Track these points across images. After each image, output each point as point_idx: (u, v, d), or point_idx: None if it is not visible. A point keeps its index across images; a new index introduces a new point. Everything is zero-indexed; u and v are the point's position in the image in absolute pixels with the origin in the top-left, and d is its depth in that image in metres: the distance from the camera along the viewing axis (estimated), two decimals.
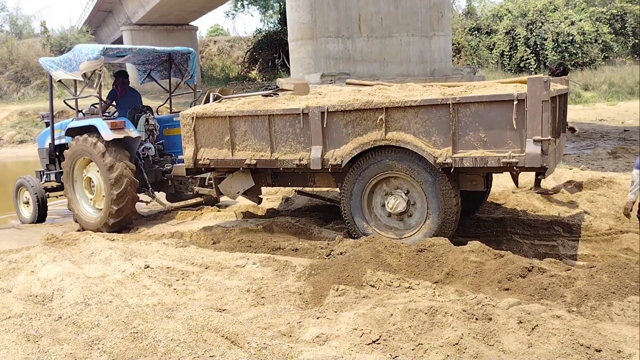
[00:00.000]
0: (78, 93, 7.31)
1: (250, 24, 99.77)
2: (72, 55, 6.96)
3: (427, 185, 4.77)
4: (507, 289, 3.79)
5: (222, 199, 7.59)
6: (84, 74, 6.91)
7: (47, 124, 8.07)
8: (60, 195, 7.93)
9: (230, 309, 3.68)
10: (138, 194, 6.96)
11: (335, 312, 3.47)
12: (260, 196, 6.31)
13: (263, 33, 36.88)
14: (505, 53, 29.17)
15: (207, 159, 5.72)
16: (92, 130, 6.77)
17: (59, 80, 7.34)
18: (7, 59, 30.83)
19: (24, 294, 4.04)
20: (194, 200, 7.65)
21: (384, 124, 4.76)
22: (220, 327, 3.19)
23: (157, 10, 28.52)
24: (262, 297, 3.86)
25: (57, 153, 7.89)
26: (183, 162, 6.12)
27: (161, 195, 7.84)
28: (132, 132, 6.79)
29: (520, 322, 3.08)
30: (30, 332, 3.28)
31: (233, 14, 42.37)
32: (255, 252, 5.05)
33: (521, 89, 4.23)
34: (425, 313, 3.17)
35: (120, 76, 7.81)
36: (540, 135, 4.10)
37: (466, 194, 5.17)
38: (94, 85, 7.16)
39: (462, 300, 3.42)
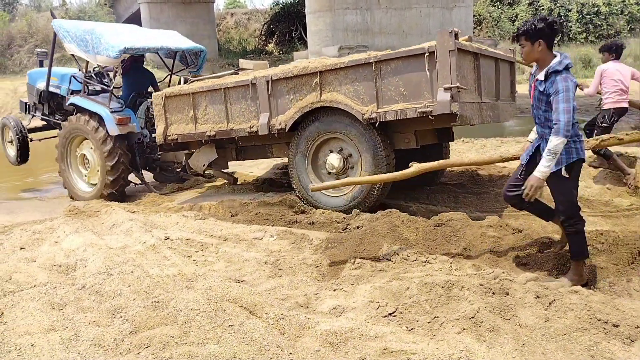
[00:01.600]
0: (86, 72, 7.43)
1: None
2: (89, 37, 6.86)
3: (360, 143, 5.10)
4: (524, 264, 3.79)
5: None
6: (98, 64, 7.03)
7: (41, 63, 8.17)
8: (43, 139, 8.12)
9: (248, 280, 3.74)
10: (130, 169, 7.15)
11: (352, 284, 3.50)
12: (235, 176, 6.90)
13: (280, 5, 36.45)
14: None
15: (175, 134, 6.22)
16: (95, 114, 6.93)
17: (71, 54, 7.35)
18: (27, 32, 30.98)
19: (48, 263, 4.14)
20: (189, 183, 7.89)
21: (319, 87, 5.15)
22: (239, 297, 3.25)
23: None
24: (280, 269, 3.91)
25: (50, 99, 8.00)
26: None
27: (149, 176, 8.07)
28: (135, 127, 7.02)
29: (538, 296, 3.08)
30: (55, 300, 3.37)
31: None
32: (272, 225, 5.10)
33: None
34: (442, 287, 3.18)
35: (141, 56, 7.73)
36: (449, 83, 4.42)
37: (431, 155, 5.57)
38: (109, 79, 7.39)
39: (479, 275, 3.42)
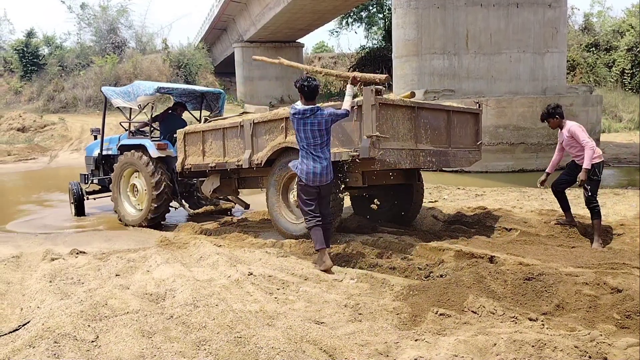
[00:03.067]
0: (132, 118, 9.27)
1: (354, 40, 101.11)
2: (130, 89, 8.64)
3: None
4: (624, 327, 3.50)
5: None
6: (139, 105, 8.53)
7: (96, 137, 9.89)
8: (97, 198, 9.69)
9: (328, 322, 3.72)
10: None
11: (434, 335, 3.38)
12: (248, 203, 8.13)
13: (366, 50, 37.30)
14: (627, 71, 27.09)
15: (190, 164, 7.39)
16: (140, 148, 8.28)
17: (117, 107, 9.08)
18: (132, 72, 33.75)
19: (140, 291, 4.36)
20: (223, 207, 9.34)
21: (284, 130, 6.02)
22: (319, 339, 3.24)
23: (266, 29, 29.86)
24: (360, 314, 3.86)
25: (103, 161, 9.57)
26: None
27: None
28: (172, 152, 8.19)
29: None
30: (145, 328, 3.52)
31: (337, 32, 43.28)
32: (352, 267, 5.08)
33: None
34: (533, 346, 3.00)
35: (179, 105, 9.27)
36: (371, 132, 5.19)
37: (398, 195, 6.86)
38: (148, 113, 8.91)
39: (574, 336, 3.20)
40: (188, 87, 9.39)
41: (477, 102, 6.86)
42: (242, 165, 6.56)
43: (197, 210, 8.95)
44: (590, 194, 5.86)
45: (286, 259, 5.38)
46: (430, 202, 8.85)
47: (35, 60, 35.57)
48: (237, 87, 35.41)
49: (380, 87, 5.29)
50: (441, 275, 4.53)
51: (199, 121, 9.40)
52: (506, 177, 13.17)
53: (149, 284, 4.56)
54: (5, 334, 3.58)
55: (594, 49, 29.55)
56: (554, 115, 6.21)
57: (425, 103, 6.07)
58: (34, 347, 3.19)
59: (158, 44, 41.28)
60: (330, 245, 5.53)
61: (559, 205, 6.53)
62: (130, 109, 9.09)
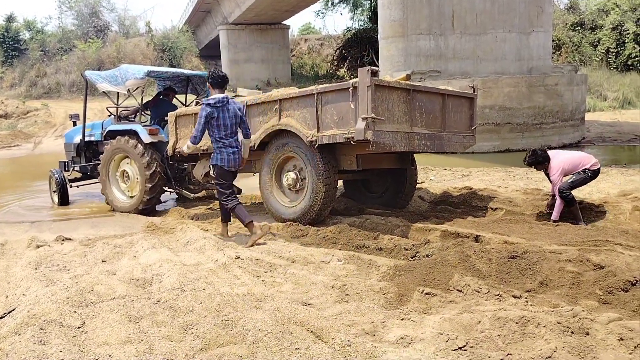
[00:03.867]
0: (119, 102, 8.92)
1: (340, 22, 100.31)
2: (118, 72, 8.46)
3: (308, 162, 5.86)
4: (607, 303, 3.56)
5: None
6: (128, 89, 8.31)
7: (75, 123, 9.67)
8: (79, 185, 9.45)
9: (315, 303, 3.75)
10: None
11: (420, 314, 3.42)
12: (240, 188, 8.01)
13: (353, 31, 36.96)
14: (612, 50, 27.23)
15: (180, 147, 7.07)
16: (130, 133, 8.07)
17: (103, 92, 8.77)
18: (115, 57, 33.26)
19: (126, 277, 4.35)
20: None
21: (278, 113, 6.00)
22: (306, 320, 3.26)
23: (251, 10, 29.48)
24: (346, 294, 3.89)
25: (86, 148, 9.25)
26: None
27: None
28: (163, 137, 8.05)
29: (621, 339, 2.88)
30: (131, 313, 3.52)
31: (323, 13, 42.79)
32: (339, 249, 5.10)
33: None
34: (516, 322, 3.05)
35: (170, 91, 9.18)
36: (366, 114, 5.13)
37: (392, 180, 6.94)
38: (138, 97, 8.67)
39: (557, 312, 3.25)
40: (177, 70, 9.30)
41: (473, 87, 6.79)
42: None
43: (197, 195, 8.71)
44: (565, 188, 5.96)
45: (273, 242, 5.40)
46: (416, 182, 8.88)
47: (16, 45, 34.87)
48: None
49: (376, 68, 5.27)
50: (427, 255, 4.56)
51: (185, 105, 9.35)
52: (492, 157, 13.25)
53: (136, 269, 4.56)
54: None
55: (579, 28, 29.64)
56: (543, 162, 6.14)
57: (421, 86, 6.08)
58: (19, 334, 3.17)
59: (141, 27, 40.71)
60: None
61: (544, 185, 6.57)
62: (118, 93, 8.85)
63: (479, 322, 3.11)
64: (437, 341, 2.98)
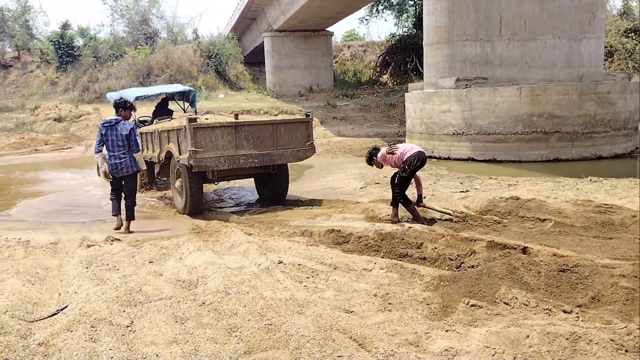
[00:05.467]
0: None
1: (384, 28, 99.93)
2: (122, 95, 10.09)
3: (183, 173, 7.93)
4: None
5: None
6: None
7: None
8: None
9: (357, 311, 3.73)
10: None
11: (465, 326, 3.36)
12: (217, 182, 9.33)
13: (397, 37, 36.83)
14: None
15: (145, 155, 9.14)
16: None
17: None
18: (164, 63, 34.19)
19: (173, 278, 4.45)
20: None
21: (167, 139, 8.39)
22: (349, 328, 3.25)
23: (296, 17, 29.74)
24: (389, 303, 3.85)
25: None
26: None
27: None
28: None
29: None
30: (178, 314, 3.60)
31: (367, 20, 42.77)
32: (382, 257, 5.06)
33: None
34: (567, 338, 2.95)
35: (171, 98, 11.77)
36: (190, 147, 7.36)
37: (273, 181, 8.89)
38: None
39: (610, 329, 3.12)
40: (161, 91, 11.88)
41: (307, 114, 8.45)
42: (151, 159, 9.28)
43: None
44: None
45: (315, 247, 5.40)
46: (461, 191, 8.73)
47: (70, 51, 36.33)
48: (266, 77, 35.39)
49: (196, 116, 8.05)
50: (472, 266, 4.47)
51: (184, 111, 12.38)
52: (540, 166, 12.89)
53: (182, 270, 4.65)
54: (44, 318, 3.71)
55: (632, 34, 28.49)
56: None
57: (247, 121, 8.00)
58: (71, 331, 3.29)
59: (189, 34, 41.69)
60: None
61: (595, 196, 6.33)
62: None
63: (527, 336, 3.02)
64: (483, 355, 2.91)
